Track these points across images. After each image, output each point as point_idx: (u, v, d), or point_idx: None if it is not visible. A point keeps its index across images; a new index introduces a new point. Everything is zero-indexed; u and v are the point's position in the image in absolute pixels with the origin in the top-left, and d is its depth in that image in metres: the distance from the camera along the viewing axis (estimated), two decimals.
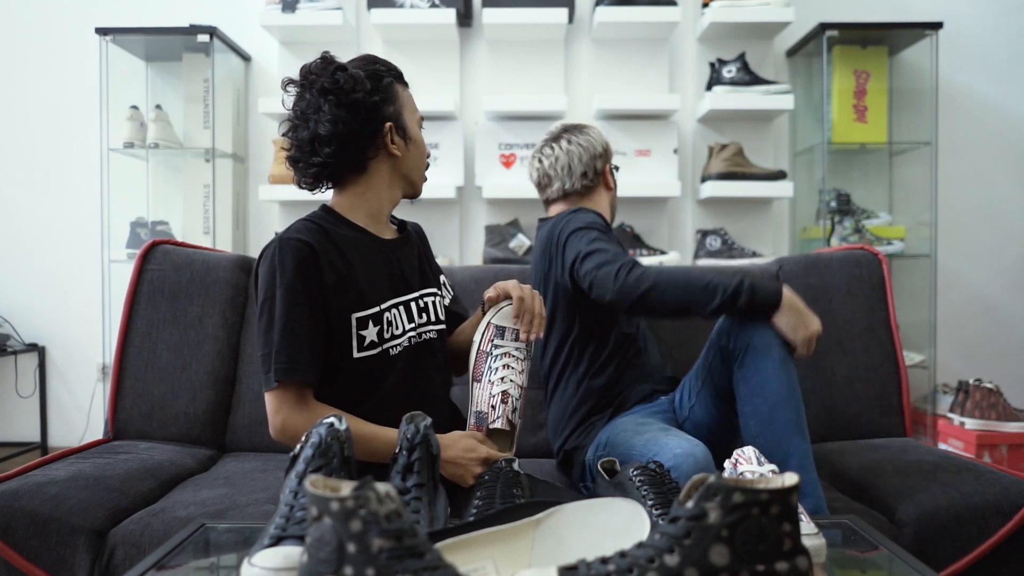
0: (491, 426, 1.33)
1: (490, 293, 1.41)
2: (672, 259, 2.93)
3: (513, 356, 1.36)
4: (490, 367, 1.35)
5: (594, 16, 2.98)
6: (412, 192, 1.49)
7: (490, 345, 1.37)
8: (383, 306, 1.37)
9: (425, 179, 1.50)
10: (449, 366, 1.52)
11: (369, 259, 1.39)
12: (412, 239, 1.53)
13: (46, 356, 3.31)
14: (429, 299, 1.47)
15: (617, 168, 1.90)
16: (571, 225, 1.67)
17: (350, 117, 1.34)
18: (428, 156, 1.49)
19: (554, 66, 3.13)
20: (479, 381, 1.36)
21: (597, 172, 1.82)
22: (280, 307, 1.29)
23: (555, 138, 1.82)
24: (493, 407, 1.33)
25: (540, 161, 1.83)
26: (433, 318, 1.46)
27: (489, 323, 1.39)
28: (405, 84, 1.44)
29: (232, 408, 1.89)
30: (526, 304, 1.38)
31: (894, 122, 3.16)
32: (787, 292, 1.50)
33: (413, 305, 1.43)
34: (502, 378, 1.33)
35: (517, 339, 1.38)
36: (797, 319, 1.48)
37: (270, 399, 1.30)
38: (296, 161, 1.40)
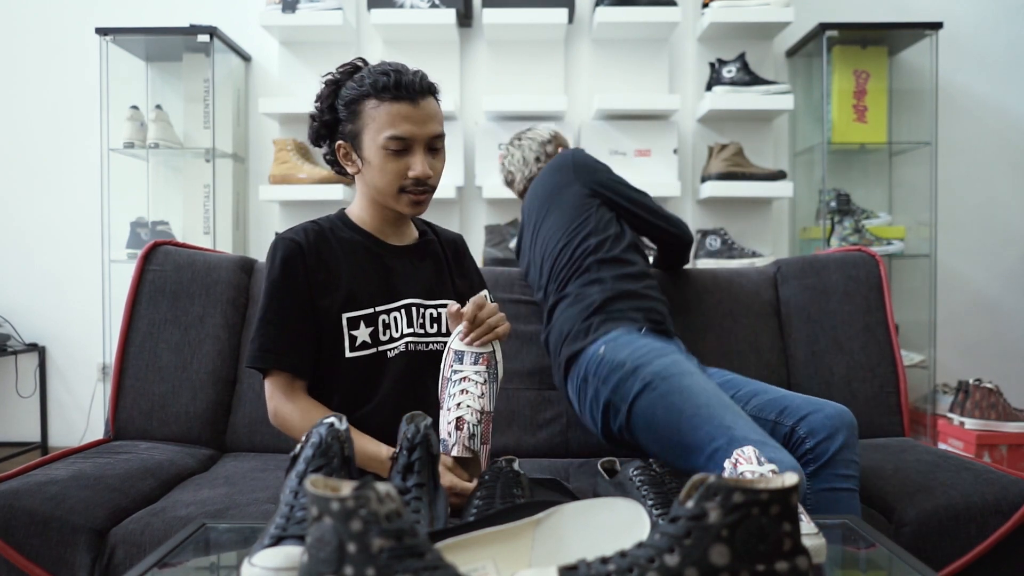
0: (452, 454, 1.28)
1: (451, 308, 1.35)
2: None
3: (472, 380, 1.29)
4: (449, 393, 1.29)
5: (594, 16, 2.99)
6: (394, 210, 1.41)
7: (450, 371, 1.31)
8: (378, 308, 1.38)
9: (408, 200, 1.37)
10: None
11: (363, 262, 1.40)
12: (434, 250, 1.51)
13: (46, 356, 3.32)
14: (443, 311, 1.44)
15: None
16: (596, 164, 1.91)
17: (316, 127, 1.42)
18: (405, 179, 1.35)
19: (554, 66, 3.13)
20: (442, 407, 1.31)
21: (549, 155, 2.05)
22: (263, 301, 1.37)
23: (510, 143, 2.12)
24: (449, 434, 1.27)
25: (503, 164, 2.12)
26: (444, 330, 1.44)
27: (449, 348, 1.33)
28: (395, 98, 1.32)
29: (232, 408, 1.89)
30: (478, 319, 1.30)
31: (894, 122, 3.16)
32: None
33: (415, 312, 1.42)
34: (458, 404, 1.27)
35: (477, 362, 1.30)
36: None
37: (265, 386, 1.38)
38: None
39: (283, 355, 1.34)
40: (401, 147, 1.33)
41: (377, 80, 1.32)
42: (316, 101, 1.40)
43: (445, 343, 1.43)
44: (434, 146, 1.37)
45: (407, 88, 1.32)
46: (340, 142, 1.39)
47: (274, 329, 1.34)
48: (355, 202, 1.46)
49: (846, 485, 1.40)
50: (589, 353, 1.62)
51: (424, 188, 1.36)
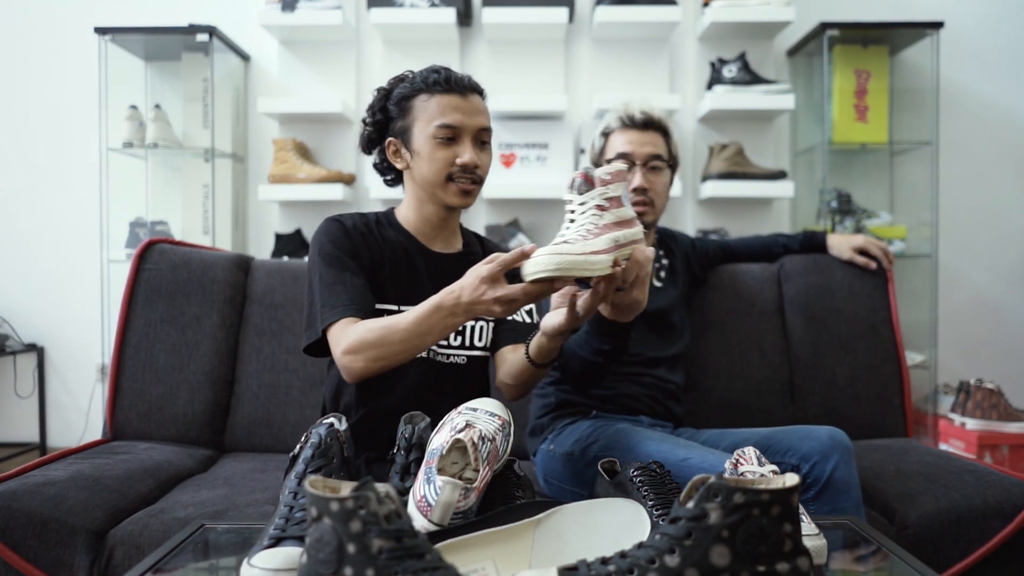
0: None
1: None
2: None
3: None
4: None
5: (594, 16, 2.98)
6: (443, 204, 1.42)
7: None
8: (402, 308, 1.38)
9: (456, 189, 1.39)
10: (483, 394, 1.46)
11: (398, 261, 1.41)
12: (473, 262, 1.45)
13: (45, 356, 3.31)
14: (468, 323, 1.43)
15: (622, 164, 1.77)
16: None
17: (367, 133, 1.46)
18: (453, 166, 1.37)
19: (554, 66, 3.13)
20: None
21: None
22: (316, 270, 1.36)
23: None
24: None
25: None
26: (467, 343, 1.43)
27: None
28: (445, 91, 1.37)
29: (231, 408, 1.89)
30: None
31: (895, 122, 3.16)
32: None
33: None
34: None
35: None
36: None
37: (330, 339, 1.30)
38: None
39: (347, 307, 1.31)
40: (450, 135, 1.37)
41: (428, 77, 1.39)
42: (367, 110, 1.46)
43: (466, 356, 1.43)
44: (482, 139, 1.41)
45: (456, 83, 1.38)
46: (390, 139, 1.43)
47: (340, 287, 1.33)
48: (403, 202, 1.49)
49: (849, 503, 1.39)
50: (542, 451, 1.67)
51: (472, 178, 1.40)
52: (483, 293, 1.16)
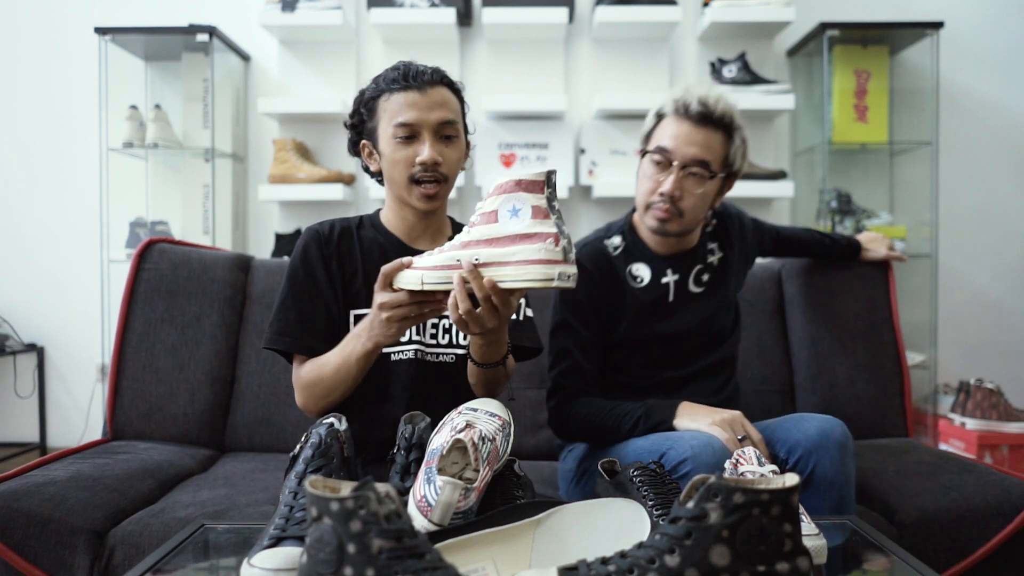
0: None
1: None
2: None
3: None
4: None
5: (594, 16, 2.98)
6: (410, 207, 1.39)
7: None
8: None
9: (419, 193, 1.35)
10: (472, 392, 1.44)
11: (378, 263, 1.37)
12: None
13: (45, 356, 3.31)
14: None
15: (643, 153, 1.58)
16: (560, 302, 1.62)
17: (349, 137, 1.45)
18: (414, 166, 1.33)
19: (554, 66, 3.13)
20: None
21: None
22: (283, 286, 1.40)
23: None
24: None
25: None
26: (455, 341, 1.42)
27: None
28: (402, 88, 1.33)
29: (231, 408, 1.89)
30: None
31: (895, 122, 3.16)
32: (682, 407, 1.45)
33: (429, 321, 1.40)
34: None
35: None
36: (693, 421, 1.41)
37: (292, 372, 1.39)
38: None
39: (299, 338, 1.36)
40: (408, 134, 1.33)
41: (388, 75, 1.36)
42: (349, 114, 1.45)
43: (455, 355, 1.41)
44: (445, 133, 1.35)
45: (414, 77, 1.34)
46: (363, 142, 1.42)
47: (293, 314, 1.36)
48: (385, 202, 1.47)
49: (828, 503, 1.33)
50: (558, 466, 1.67)
51: (434, 176, 1.33)
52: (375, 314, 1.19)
